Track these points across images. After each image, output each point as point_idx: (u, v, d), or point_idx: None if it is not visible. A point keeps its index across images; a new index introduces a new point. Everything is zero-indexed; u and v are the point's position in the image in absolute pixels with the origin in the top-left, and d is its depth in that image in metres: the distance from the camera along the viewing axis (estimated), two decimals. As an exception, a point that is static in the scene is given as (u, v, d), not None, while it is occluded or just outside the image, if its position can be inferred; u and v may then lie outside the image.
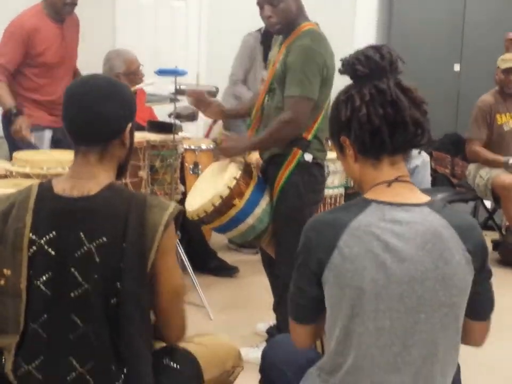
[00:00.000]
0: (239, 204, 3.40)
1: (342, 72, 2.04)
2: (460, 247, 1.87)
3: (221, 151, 3.55)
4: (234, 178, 3.41)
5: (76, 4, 4.53)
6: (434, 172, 6.87)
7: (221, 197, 3.37)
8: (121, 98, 2.07)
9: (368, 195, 1.94)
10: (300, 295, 1.99)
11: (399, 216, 1.87)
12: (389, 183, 1.93)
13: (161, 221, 1.97)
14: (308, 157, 3.42)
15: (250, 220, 3.42)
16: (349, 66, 1.99)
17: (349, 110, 1.94)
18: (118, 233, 1.94)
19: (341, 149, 2.02)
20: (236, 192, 3.39)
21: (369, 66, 1.96)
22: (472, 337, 2.06)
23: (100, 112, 2.01)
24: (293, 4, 3.40)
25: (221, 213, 3.40)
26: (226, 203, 3.38)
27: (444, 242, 1.86)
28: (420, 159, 6.40)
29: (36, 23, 4.41)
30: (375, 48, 2.00)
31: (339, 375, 1.94)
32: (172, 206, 2.02)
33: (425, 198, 1.94)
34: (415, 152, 6.36)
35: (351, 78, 2.01)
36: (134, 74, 4.78)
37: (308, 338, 2.07)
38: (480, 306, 2.01)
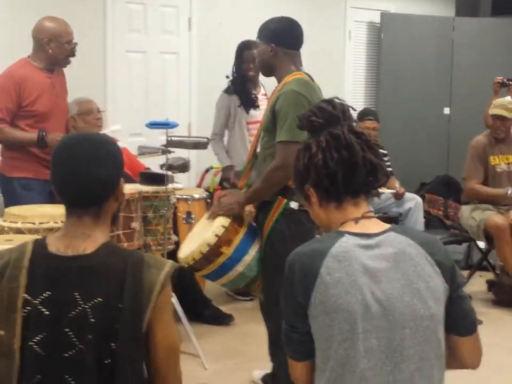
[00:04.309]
0: (227, 251, 3.41)
1: (299, 127, 2.18)
2: (428, 261, 1.99)
3: (220, 210, 3.53)
4: (223, 226, 3.43)
5: (74, 55, 4.61)
6: (427, 214, 6.91)
7: (209, 244, 3.39)
8: (113, 157, 2.04)
9: (340, 228, 2.06)
10: (293, 332, 2.03)
11: (371, 243, 2.00)
12: (357, 220, 2.05)
13: (157, 281, 1.95)
14: (294, 205, 3.44)
15: (239, 268, 3.43)
16: (305, 119, 2.14)
17: (306, 158, 2.08)
18: (114, 293, 1.92)
19: (306, 198, 2.15)
20: (224, 240, 3.41)
21: (323, 117, 2.10)
22: (465, 358, 2.10)
23: (95, 177, 1.98)
24: (266, 51, 3.53)
25: (209, 261, 3.42)
26: (214, 251, 3.40)
27: (414, 259, 1.98)
28: (413, 201, 6.44)
29: (25, 73, 4.45)
30: (327, 101, 2.17)
31: None
32: (168, 265, 2.01)
33: (388, 225, 2.07)
34: (408, 195, 6.43)
35: (309, 130, 2.14)
36: (86, 114, 4.82)
37: (308, 375, 2.08)
38: (462, 319, 2.07)
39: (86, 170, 1.98)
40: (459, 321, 2.05)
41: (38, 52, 4.52)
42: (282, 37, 3.55)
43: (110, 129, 4.87)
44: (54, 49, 4.50)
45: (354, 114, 2.23)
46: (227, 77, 5.58)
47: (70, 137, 2.13)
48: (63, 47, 4.52)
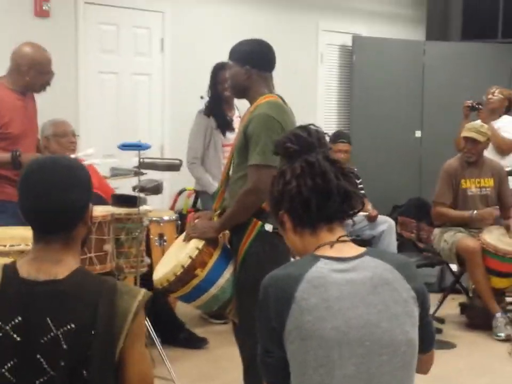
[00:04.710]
0: (201, 274, 3.40)
1: (275, 152, 2.18)
2: (405, 286, 1.98)
3: (195, 233, 3.52)
4: (197, 248, 3.42)
5: (49, 84, 4.58)
6: (400, 237, 6.92)
7: (183, 266, 3.37)
8: (81, 181, 2.02)
9: (316, 252, 2.03)
10: (268, 356, 2.01)
11: (348, 267, 1.98)
12: (332, 244, 2.03)
13: (131, 308, 1.93)
14: (268, 227, 3.42)
15: (213, 290, 3.42)
16: (280, 145, 2.14)
17: (280, 185, 2.08)
18: (87, 320, 1.89)
19: (281, 224, 2.14)
20: (198, 262, 3.40)
21: (299, 143, 2.10)
22: (419, 368, 2.12)
23: (64, 203, 1.96)
24: (240, 73, 3.53)
25: (183, 283, 3.40)
26: (188, 273, 3.38)
27: (391, 284, 1.97)
28: (386, 224, 6.45)
29: None
30: (303, 127, 2.17)
31: None
32: (141, 293, 1.98)
33: (363, 249, 2.06)
34: (381, 217, 6.44)
35: (284, 157, 2.14)
36: (61, 136, 4.83)
37: None
38: (425, 338, 2.07)
39: (54, 196, 1.95)
40: (424, 339, 2.05)
41: (15, 76, 4.48)
42: (257, 59, 3.56)
43: (83, 153, 4.84)
44: (32, 77, 4.47)
45: (327, 138, 2.23)
46: (201, 97, 5.57)
47: (37, 161, 2.07)
48: (42, 76, 4.50)
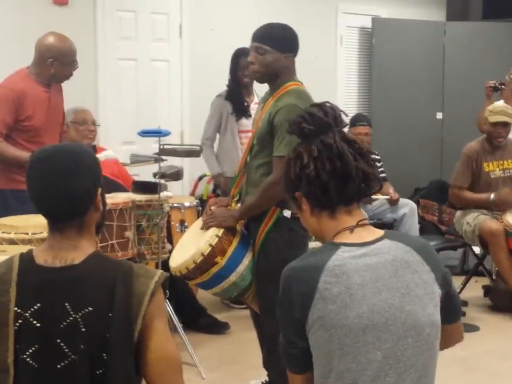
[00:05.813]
0: (221, 261, 3.39)
1: (290, 132, 2.14)
2: (424, 268, 1.99)
3: (213, 222, 3.51)
4: (217, 235, 3.42)
5: (72, 74, 4.59)
6: (422, 220, 6.90)
7: (202, 254, 3.37)
8: (87, 167, 2.01)
9: (335, 240, 2.02)
10: (290, 346, 2.01)
11: (368, 252, 1.97)
12: (352, 229, 2.02)
13: (147, 289, 1.94)
14: (287, 213, 3.44)
15: (232, 277, 3.42)
16: (296, 125, 2.10)
17: (298, 167, 2.05)
18: (104, 303, 1.91)
19: (297, 205, 2.12)
20: (217, 250, 3.40)
21: (315, 123, 2.06)
22: (452, 339, 2.16)
23: (70, 191, 1.96)
24: (280, 60, 3.49)
25: (202, 270, 3.40)
26: (207, 260, 3.38)
27: (411, 266, 1.97)
28: (407, 207, 6.42)
29: (25, 87, 4.41)
30: (318, 105, 2.12)
31: None
32: (158, 274, 1.99)
33: (382, 232, 2.05)
34: (402, 200, 6.41)
35: (299, 136, 2.10)
36: (80, 124, 4.86)
37: None
38: (449, 310, 2.07)
39: (59, 185, 1.95)
40: (449, 313, 2.07)
41: (39, 67, 4.48)
42: (293, 45, 3.55)
43: (103, 154, 4.88)
44: (56, 69, 4.47)
45: (347, 120, 2.19)
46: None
47: (41, 152, 2.06)
48: (66, 67, 4.50)
